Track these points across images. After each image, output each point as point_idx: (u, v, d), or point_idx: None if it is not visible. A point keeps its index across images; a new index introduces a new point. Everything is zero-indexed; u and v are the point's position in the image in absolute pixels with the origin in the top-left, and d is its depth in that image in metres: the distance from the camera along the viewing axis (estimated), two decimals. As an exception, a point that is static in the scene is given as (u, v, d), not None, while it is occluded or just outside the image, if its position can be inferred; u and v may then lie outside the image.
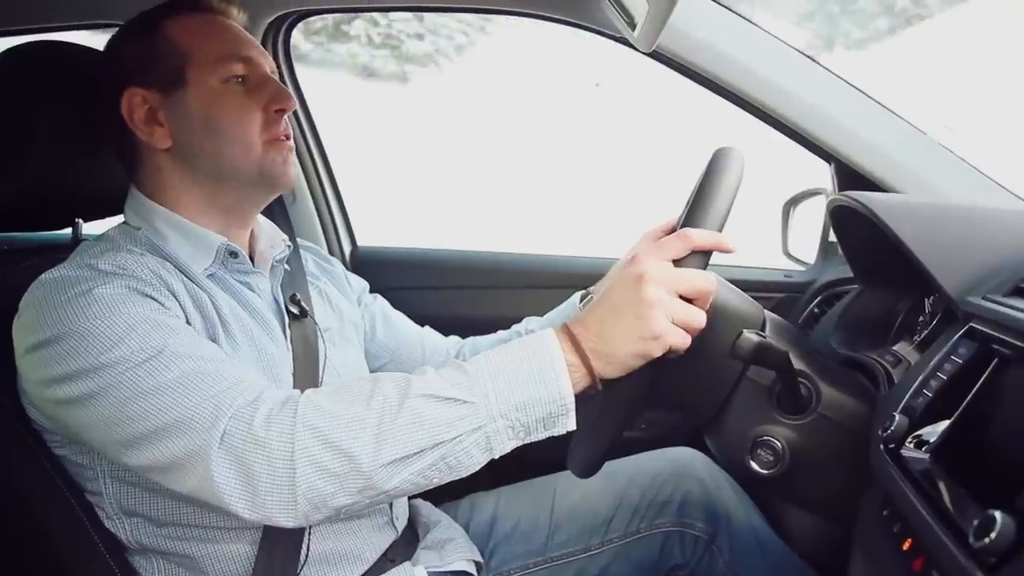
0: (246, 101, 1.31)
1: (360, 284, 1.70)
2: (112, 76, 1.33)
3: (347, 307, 1.58)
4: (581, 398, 1.08)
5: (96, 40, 1.51)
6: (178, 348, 1.11)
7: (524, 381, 1.05)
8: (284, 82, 2.21)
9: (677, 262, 1.09)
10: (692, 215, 1.13)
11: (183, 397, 1.07)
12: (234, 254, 1.34)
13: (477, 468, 1.08)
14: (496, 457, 1.07)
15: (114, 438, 1.10)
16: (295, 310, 1.41)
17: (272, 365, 1.30)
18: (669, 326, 1.05)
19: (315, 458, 1.03)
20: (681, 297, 1.07)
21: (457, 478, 1.08)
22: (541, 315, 1.61)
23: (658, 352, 1.06)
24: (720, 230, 1.12)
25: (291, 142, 1.35)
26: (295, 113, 2.28)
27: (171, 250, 1.30)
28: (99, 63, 1.36)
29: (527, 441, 1.08)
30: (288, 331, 1.38)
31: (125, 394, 1.08)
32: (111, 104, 1.31)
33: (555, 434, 1.08)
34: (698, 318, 1.08)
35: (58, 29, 2.12)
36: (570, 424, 1.07)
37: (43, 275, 1.19)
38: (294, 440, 1.03)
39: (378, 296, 1.71)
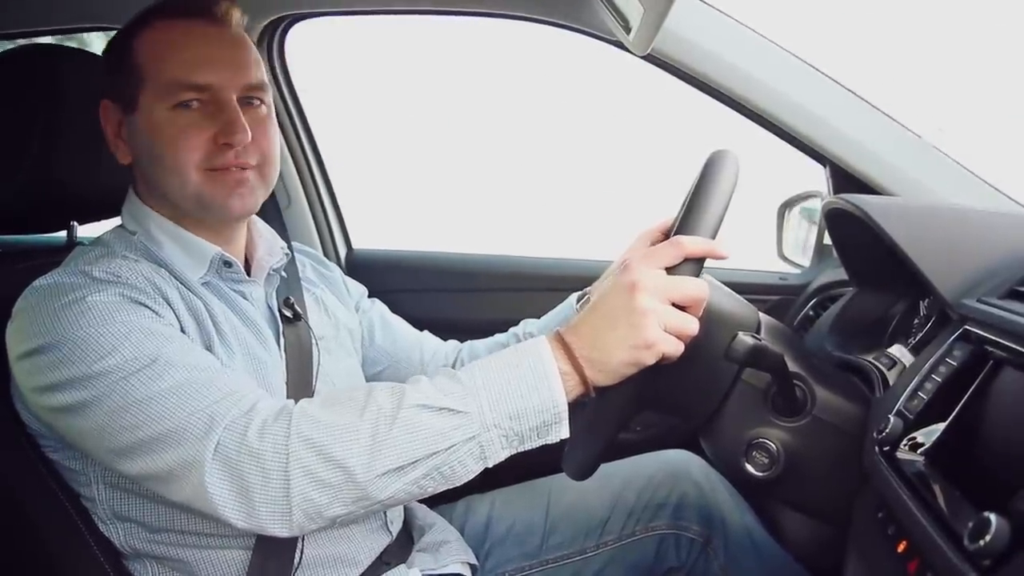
0: (191, 128, 1.25)
1: (358, 290, 1.69)
2: (100, 83, 1.33)
3: (344, 314, 1.58)
4: (574, 406, 1.08)
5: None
6: (172, 357, 1.11)
7: (517, 390, 1.05)
8: (279, 86, 2.21)
9: (670, 270, 1.09)
10: (686, 221, 1.13)
11: (177, 407, 1.07)
12: (228, 264, 1.33)
13: (471, 477, 1.08)
14: (490, 466, 1.07)
15: (108, 447, 1.10)
16: (289, 313, 1.40)
17: (265, 373, 1.30)
18: (662, 334, 1.05)
19: (309, 469, 1.03)
20: (674, 305, 1.08)
21: (451, 487, 1.09)
22: (538, 317, 1.61)
23: (651, 360, 1.06)
24: (714, 236, 1.12)
25: (245, 174, 1.28)
26: (289, 117, 2.28)
27: (166, 257, 1.29)
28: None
29: (521, 449, 1.08)
30: (282, 338, 1.38)
31: (119, 403, 1.08)
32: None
33: (549, 442, 1.08)
34: (691, 326, 1.08)
35: (56, 32, 2.12)
36: (563, 432, 1.07)
37: (37, 281, 1.19)
38: (288, 451, 1.03)
39: (376, 301, 1.71)
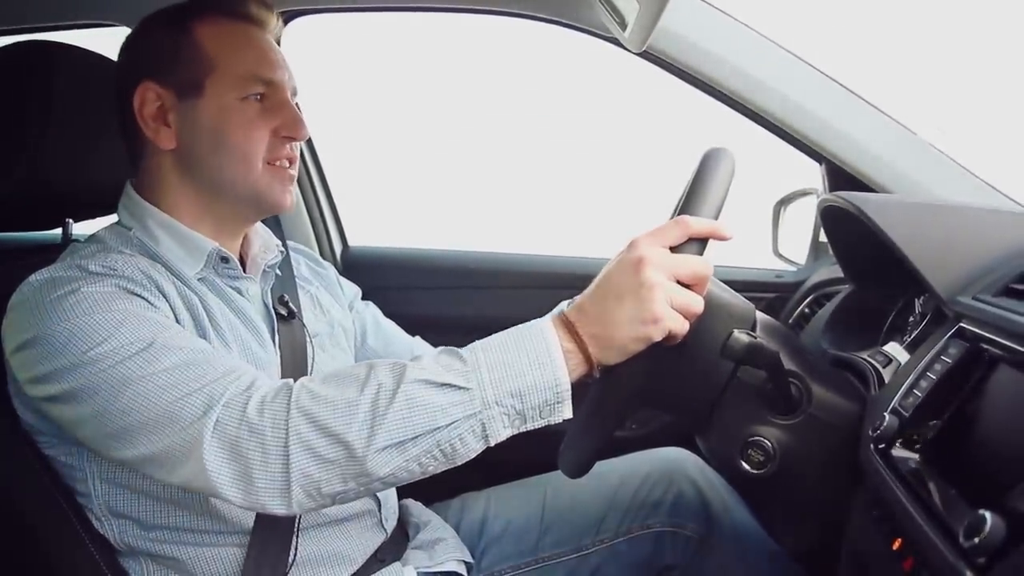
0: (257, 120, 1.31)
1: (352, 290, 1.69)
2: (132, 64, 1.33)
3: (338, 312, 1.58)
4: (579, 385, 1.07)
5: (90, 41, 1.50)
6: (168, 341, 1.12)
7: (520, 368, 1.04)
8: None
9: (674, 249, 1.09)
10: (688, 204, 1.13)
11: (174, 387, 1.07)
12: (225, 259, 1.34)
13: (472, 456, 1.07)
14: (491, 445, 1.06)
15: (106, 431, 1.10)
16: (283, 311, 1.41)
17: (260, 369, 1.29)
18: (669, 310, 1.05)
19: (309, 444, 1.03)
20: (679, 282, 1.07)
21: (452, 466, 1.08)
22: (533, 316, 1.59)
23: (658, 336, 1.05)
24: (716, 219, 1.12)
25: (293, 170, 1.36)
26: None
27: (162, 252, 1.29)
28: (122, 47, 1.36)
29: (523, 429, 1.07)
30: (277, 335, 1.38)
31: (115, 386, 1.08)
32: (125, 93, 1.31)
33: (552, 422, 1.07)
34: (696, 303, 1.07)
35: (53, 29, 2.12)
36: (566, 412, 1.07)
37: (32, 276, 1.19)
38: (288, 426, 1.03)
39: (370, 303, 1.71)
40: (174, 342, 1.12)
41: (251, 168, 1.30)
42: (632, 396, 1.15)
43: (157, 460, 1.09)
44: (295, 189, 2.34)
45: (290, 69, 1.37)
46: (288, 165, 1.34)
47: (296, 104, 1.37)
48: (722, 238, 1.11)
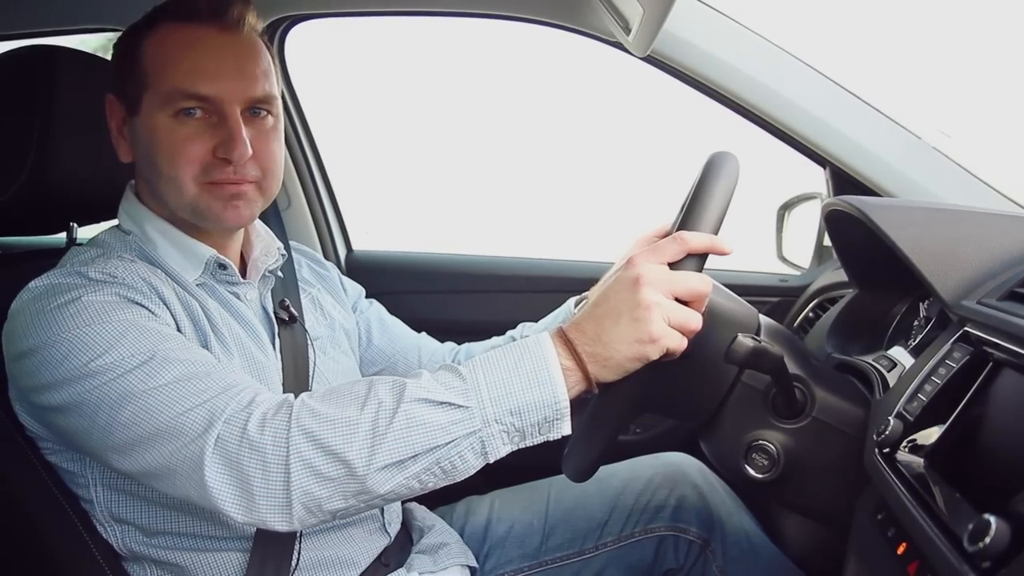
0: (191, 139, 1.24)
1: (356, 290, 1.69)
2: (110, 75, 1.33)
3: (340, 314, 1.58)
4: (577, 402, 1.07)
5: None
6: (169, 354, 1.11)
7: (519, 386, 1.04)
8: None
9: (673, 265, 1.09)
10: (688, 218, 1.13)
11: (175, 402, 1.07)
12: (223, 266, 1.33)
13: (472, 472, 1.07)
14: (491, 462, 1.07)
15: (107, 444, 1.10)
16: (284, 316, 1.40)
17: (262, 374, 1.30)
18: (666, 329, 1.05)
19: (309, 462, 1.02)
20: (677, 300, 1.07)
21: (452, 482, 1.08)
22: (536, 319, 1.61)
23: (655, 355, 1.05)
24: (716, 233, 1.12)
25: (240, 187, 1.27)
26: (289, 118, 2.27)
27: (161, 257, 1.29)
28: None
29: (522, 446, 1.07)
30: (277, 340, 1.38)
31: (116, 400, 1.08)
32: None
33: (551, 439, 1.07)
34: (694, 320, 1.07)
35: (55, 34, 2.12)
36: (565, 429, 1.07)
37: (32, 282, 1.19)
38: (289, 444, 1.03)
39: (374, 302, 1.71)
40: (175, 354, 1.12)
41: (181, 191, 1.25)
42: (633, 407, 1.15)
43: (158, 474, 1.09)
44: (298, 193, 2.37)
45: (250, 77, 1.27)
46: (238, 184, 1.27)
47: (266, 112, 1.30)
48: (721, 253, 1.11)
